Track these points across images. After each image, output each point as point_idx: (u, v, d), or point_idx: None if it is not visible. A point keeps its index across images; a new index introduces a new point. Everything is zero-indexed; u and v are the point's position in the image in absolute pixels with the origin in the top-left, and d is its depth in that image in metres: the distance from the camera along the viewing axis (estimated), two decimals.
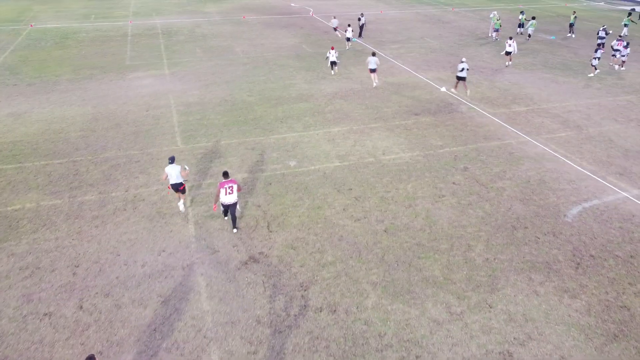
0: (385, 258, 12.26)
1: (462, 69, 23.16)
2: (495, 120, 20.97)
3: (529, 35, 36.39)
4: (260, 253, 12.43)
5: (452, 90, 24.33)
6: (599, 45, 27.39)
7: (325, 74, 26.89)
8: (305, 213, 14.15)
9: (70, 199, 14.67)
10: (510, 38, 29.55)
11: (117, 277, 11.52)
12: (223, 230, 13.33)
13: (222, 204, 12.98)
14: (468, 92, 23.70)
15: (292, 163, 17.07)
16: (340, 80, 25.96)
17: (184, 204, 14.25)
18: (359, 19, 34.72)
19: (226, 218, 13.83)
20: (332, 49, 26.85)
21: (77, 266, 11.88)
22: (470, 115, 21.53)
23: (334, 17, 37.01)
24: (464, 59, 23.62)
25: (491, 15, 37.09)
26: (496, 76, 27.19)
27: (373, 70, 24.50)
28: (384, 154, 17.80)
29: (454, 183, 15.88)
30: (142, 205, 14.43)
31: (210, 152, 17.67)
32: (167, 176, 13.45)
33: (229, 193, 12.68)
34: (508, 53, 29.17)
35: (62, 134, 19.06)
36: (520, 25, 37.38)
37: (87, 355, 8.00)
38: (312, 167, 16.77)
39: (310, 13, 44.39)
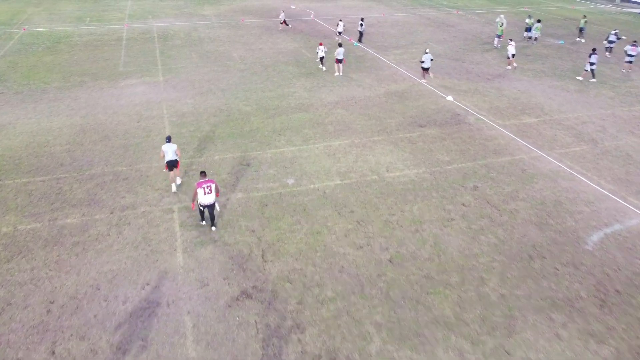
0: (391, 294, 11.17)
1: (425, 60, 25.40)
2: (505, 132, 19.87)
3: (535, 39, 35.29)
4: (253, 287, 11.35)
5: (423, 81, 26.09)
6: (593, 50, 26.34)
7: (326, 81, 25.81)
8: (304, 239, 13.07)
9: (50, 222, 13.60)
10: (511, 40, 28.70)
11: (95, 316, 10.44)
12: (214, 259, 12.25)
13: (200, 205, 12.76)
14: (432, 75, 26.14)
15: (290, 181, 15.99)
16: (341, 88, 24.88)
17: (177, 185, 15.25)
18: (360, 24, 33.62)
19: (203, 222, 13.50)
20: (321, 44, 27.51)
21: (52, 302, 10.80)
22: (478, 127, 20.43)
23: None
24: (427, 50, 25.74)
25: (497, 20, 35.99)
26: (503, 84, 26.10)
27: (339, 61, 26.49)
28: (387, 170, 16.71)
29: (463, 204, 14.79)
30: (127, 229, 13.35)
31: (203, 168, 16.57)
32: (164, 154, 14.57)
33: (208, 193, 12.51)
34: (513, 55, 28.22)
35: (47, 147, 17.99)
36: (528, 29, 36.27)
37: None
38: (312, 186, 15.68)
39: (311, 16, 43.32)
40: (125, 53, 30.56)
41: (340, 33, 34.83)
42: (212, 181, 12.71)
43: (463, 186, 15.84)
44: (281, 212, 14.30)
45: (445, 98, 23.70)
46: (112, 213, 14.10)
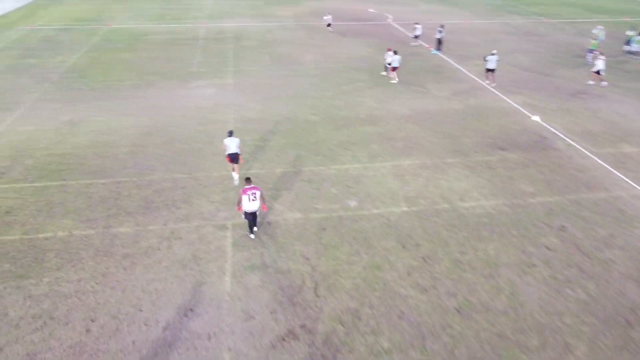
0: (456, 352, 9.71)
1: (489, 60, 25.27)
2: (601, 163, 17.54)
3: (636, 53, 31.73)
4: (302, 326, 10.30)
5: (487, 82, 25.88)
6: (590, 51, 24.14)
7: (399, 92, 24.36)
8: (362, 274, 11.86)
9: (104, 230, 13.31)
10: (601, 54, 25.84)
11: (133, 342, 9.83)
12: (263, 288, 11.34)
13: (245, 211, 12.51)
14: (492, 82, 25.71)
15: (353, 203, 14.81)
16: (414, 100, 23.34)
17: (237, 177, 15.53)
18: (439, 31, 31.68)
19: (252, 236, 13.11)
20: (390, 50, 26.00)
21: (94, 320, 10.33)
22: (568, 154, 18.21)
23: (328, 14, 37.51)
24: (494, 52, 25.80)
25: (595, 31, 32.76)
26: (599, 104, 23.39)
27: (395, 69, 25.68)
28: (461, 199, 15.09)
29: (547, 248, 12.93)
30: (178, 245, 12.76)
31: (262, 183, 15.78)
32: (226, 147, 15.02)
33: (252, 200, 12.27)
34: (601, 71, 25.39)
35: (112, 148, 17.98)
36: (628, 43, 32.73)
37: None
38: (375, 211, 14.41)
39: (388, 20, 41.82)
40: (200, 53, 30.69)
41: (417, 37, 33.22)
42: (257, 188, 12.45)
43: (548, 225, 13.93)
44: (340, 239, 13.16)
45: (530, 117, 21.52)
46: (165, 225, 13.60)
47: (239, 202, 12.53)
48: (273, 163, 17.15)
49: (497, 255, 12.60)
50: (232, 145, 15.01)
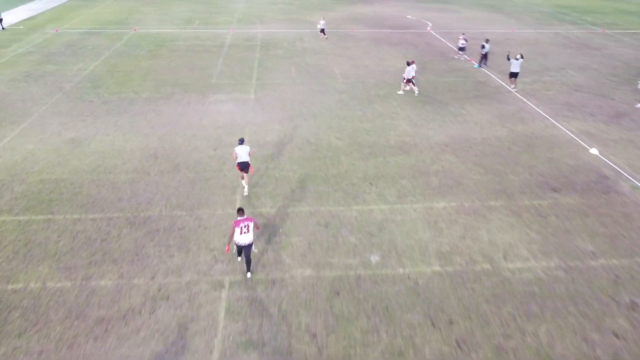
0: None
1: (513, 63, 24.67)
2: None
3: None
4: None
5: (512, 87, 25.22)
6: None
7: (436, 114, 21.83)
8: None
9: (83, 282, 11.47)
10: None
11: None
12: None
13: (236, 244, 11.45)
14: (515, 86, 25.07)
15: (375, 258, 12.51)
16: (453, 124, 20.77)
17: (247, 185, 15.23)
18: (483, 46, 28.73)
19: (239, 259, 12.14)
20: (413, 62, 23.62)
21: None
22: (636, 199, 15.37)
23: (323, 19, 35.41)
24: (519, 57, 24.85)
25: None
26: None
27: (410, 81, 23.78)
28: (505, 258, 12.57)
29: (615, 334, 10.32)
30: (164, 308, 10.78)
31: (270, 225, 13.69)
32: (236, 155, 14.59)
33: (245, 232, 11.22)
34: None
35: (112, 174, 16.24)
36: None
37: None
38: (401, 270, 12.07)
39: (428, 29, 39.09)
40: (223, 62, 28.90)
41: (461, 49, 30.50)
42: (250, 219, 11.36)
43: (614, 299, 11.28)
44: (356, 308, 10.90)
45: (588, 150, 18.64)
46: (153, 278, 11.66)
47: (229, 240, 11.36)
48: (287, 200, 15.02)
49: (550, 343, 10.07)
50: (242, 153, 14.58)
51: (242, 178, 15.20)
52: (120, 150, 17.88)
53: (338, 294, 11.31)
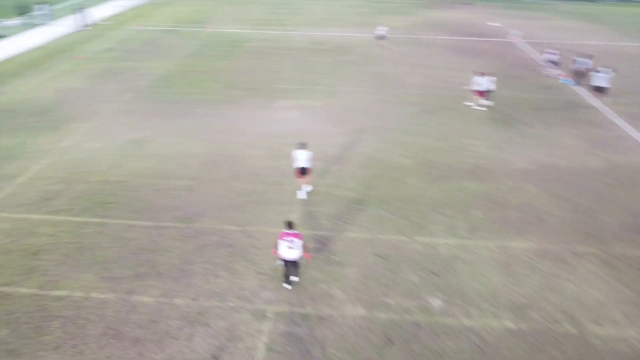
0: None
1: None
2: None
3: None
4: None
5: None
6: None
7: (519, 135, 19.83)
8: None
9: (125, 296, 11.03)
10: None
11: None
12: None
13: (282, 259, 10.87)
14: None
15: (437, 303, 11.12)
16: (537, 147, 18.73)
17: (307, 191, 14.96)
18: (575, 61, 25.82)
19: (288, 287, 11.34)
20: (484, 74, 22.34)
21: None
22: None
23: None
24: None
25: None
26: None
27: (481, 93, 22.12)
28: (594, 319, 10.73)
29: None
30: (201, 335, 10.05)
31: (325, 250, 12.66)
32: (295, 158, 14.38)
33: (290, 247, 10.64)
34: None
35: (170, 180, 15.93)
36: None
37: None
38: (466, 322, 10.60)
39: (513, 38, 36.44)
40: (293, 66, 28.26)
41: (552, 63, 27.86)
42: (298, 236, 10.75)
43: None
44: None
45: None
46: (195, 299, 11.00)
47: (276, 246, 10.94)
48: (345, 223, 13.91)
49: None
50: (301, 158, 14.38)
51: (300, 184, 14.99)
52: (181, 155, 17.58)
53: (390, 343, 10.05)
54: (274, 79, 26.03)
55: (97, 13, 40.76)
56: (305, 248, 11.02)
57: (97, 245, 12.69)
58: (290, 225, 10.78)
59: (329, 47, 32.68)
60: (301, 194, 14.93)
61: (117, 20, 39.09)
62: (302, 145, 14.53)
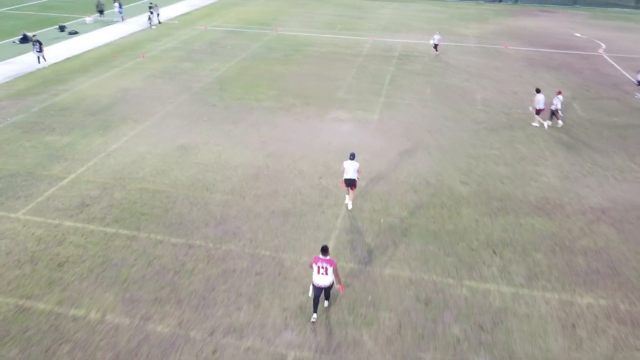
0: None
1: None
2: None
3: None
4: None
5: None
6: None
7: (596, 165, 17.56)
8: None
9: (140, 323, 10.41)
10: None
11: None
12: None
13: (313, 284, 10.32)
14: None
15: None
16: (615, 182, 16.43)
17: (349, 208, 14.64)
18: None
19: (314, 318, 10.53)
20: (560, 93, 20.58)
21: None
22: None
23: (438, 32, 26.79)
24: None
25: None
26: None
27: (538, 112, 20.65)
28: None
29: None
30: None
31: (359, 287, 11.46)
32: (344, 170, 14.09)
33: (323, 274, 10.14)
34: None
35: (208, 192, 15.32)
36: None
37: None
38: None
39: (600, 51, 33.16)
40: (354, 74, 27.09)
41: None
42: (331, 262, 10.13)
43: None
44: None
45: None
46: (212, 334, 10.18)
47: (311, 265, 10.36)
48: (385, 256, 12.63)
49: None
50: (350, 169, 14.01)
51: (347, 193, 14.67)
52: (224, 165, 16.96)
53: None
54: (332, 87, 25.00)
55: (168, 12, 41.63)
56: (337, 278, 10.31)
57: (123, 261, 12.22)
58: (324, 250, 10.14)
59: (393, 54, 31.16)
60: (348, 205, 14.71)
61: (186, 20, 39.65)
62: (352, 156, 14.16)
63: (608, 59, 31.42)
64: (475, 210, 14.77)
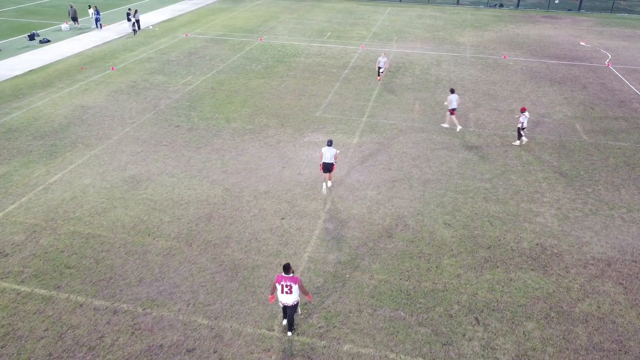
0: None
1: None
2: None
3: None
4: None
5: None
6: None
7: (602, 203, 15.39)
8: None
9: None
10: None
11: None
12: None
13: (279, 302, 10.02)
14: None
15: None
16: (626, 224, 14.25)
17: (328, 187, 15.58)
18: None
19: (284, 323, 10.49)
20: (524, 110, 19.63)
21: None
22: None
23: (384, 55, 25.82)
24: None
25: None
26: None
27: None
28: None
29: None
30: None
31: None
32: (322, 155, 14.90)
33: (287, 292, 9.80)
34: None
35: (150, 237, 13.28)
36: None
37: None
38: None
39: (606, 62, 30.90)
40: (337, 89, 24.99)
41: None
42: (295, 280, 9.84)
43: None
44: None
45: None
46: None
47: (272, 291, 10.11)
48: (346, 328, 10.53)
49: None
50: (327, 154, 14.92)
51: (324, 179, 15.64)
52: (174, 202, 14.92)
53: None
54: (312, 104, 22.91)
55: (151, 18, 39.65)
56: (304, 291, 9.99)
57: (30, 333, 10.19)
58: (286, 268, 9.77)
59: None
60: (323, 189, 15.57)
61: (167, 27, 37.64)
62: (330, 143, 15.05)
63: (615, 71, 29.15)
64: (458, 262, 12.64)
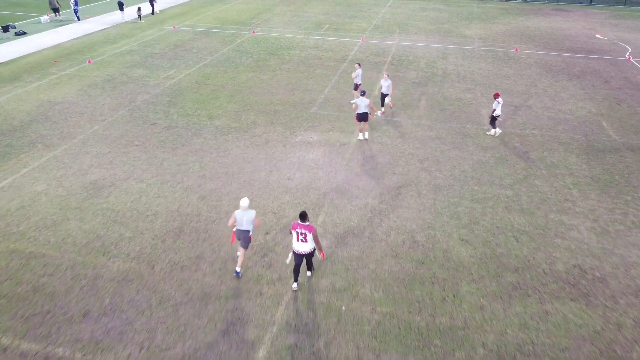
0: None
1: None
2: None
3: None
4: None
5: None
6: None
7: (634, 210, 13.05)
8: None
9: None
10: None
11: None
12: None
13: (293, 251, 9.74)
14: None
15: None
16: None
17: (365, 137, 16.54)
18: None
19: (294, 286, 9.94)
20: (497, 96, 17.17)
21: None
22: None
23: (358, 65, 19.46)
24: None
25: None
26: None
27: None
28: None
29: None
30: None
31: None
32: (356, 106, 15.90)
33: (302, 240, 9.56)
34: None
35: (104, 257, 10.95)
36: None
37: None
38: None
39: (627, 55, 28.52)
40: (335, 83, 22.63)
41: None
42: (310, 228, 9.50)
43: None
44: None
45: None
46: None
47: (290, 231, 9.74)
48: None
49: None
50: (362, 105, 15.80)
51: (360, 130, 16.53)
52: (140, 213, 12.58)
53: None
54: (306, 100, 20.56)
55: (147, 8, 37.32)
56: (317, 245, 9.67)
57: None
58: (302, 216, 9.52)
59: (385, 59, 26.67)
60: (360, 136, 16.65)
61: (155, 19, 35.30)
62: (364, 93, 16.14)
63: (637, 64, 26.75)
64: (480, 289, 10.29)
